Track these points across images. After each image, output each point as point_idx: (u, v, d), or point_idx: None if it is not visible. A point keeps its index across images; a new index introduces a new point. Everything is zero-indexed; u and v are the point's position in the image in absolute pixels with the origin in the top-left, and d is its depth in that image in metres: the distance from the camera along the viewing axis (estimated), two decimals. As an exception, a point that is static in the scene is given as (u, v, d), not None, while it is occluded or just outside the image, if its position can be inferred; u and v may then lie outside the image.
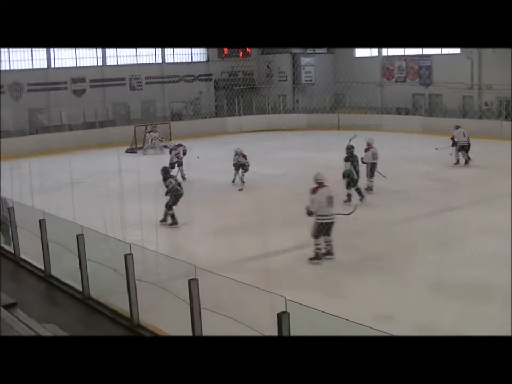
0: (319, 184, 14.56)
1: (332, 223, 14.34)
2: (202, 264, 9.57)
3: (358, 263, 14.15)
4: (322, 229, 14.24)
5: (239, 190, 22.12)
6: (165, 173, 18.62)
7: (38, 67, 39.79)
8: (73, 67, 41.10)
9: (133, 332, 10.07)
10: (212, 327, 8.50)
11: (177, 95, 43.59)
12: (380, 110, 42.24)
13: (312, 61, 46.24)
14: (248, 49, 47.54)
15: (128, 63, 43.31)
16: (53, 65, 40.31)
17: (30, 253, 14.34)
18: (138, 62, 43.77)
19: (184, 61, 45.81)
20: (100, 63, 42.33)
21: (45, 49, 39.77)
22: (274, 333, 6.94)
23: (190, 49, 45.94)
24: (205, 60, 46.66)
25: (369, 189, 21.53)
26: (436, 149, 27.67)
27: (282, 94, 46.42)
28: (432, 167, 24.72)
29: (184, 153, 25.32)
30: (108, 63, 42.60)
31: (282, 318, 6.98)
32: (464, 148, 25.86)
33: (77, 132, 37.63)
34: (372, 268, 13.64)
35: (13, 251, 14.89)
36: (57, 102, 39.06)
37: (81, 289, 12.01)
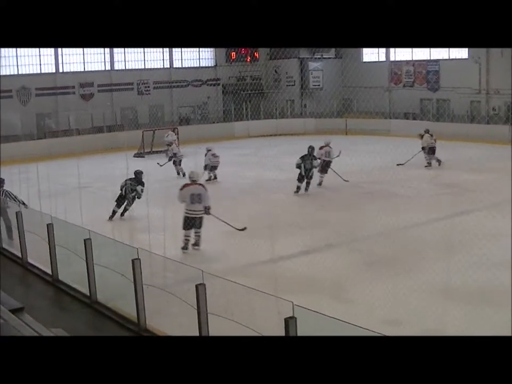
0: (192, 182, 16.08)
1: (196, 217, 15.69)
2: (209, 269, 9.56)
3: (366, 267, 14.12)
4: (189, 222, 15.62)
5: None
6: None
7: (46, 71, 39.93)
8: (81, 72, 41.22)
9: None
10: (219, 331, 8.49)
11: (185, 99, 43.62)
12: (388, 115, 42.21)
13: (320, 66, 46.25)
14: (256, 54, 47.61)
15: (136, 67, 43.39)
16: (61, 70, 40.44)
17: (38, 257, 14.36)
18: (146, 67, 43.85)
19: (192, 65, 45.88)
20: (108, 67, 42.45)
21: (53, 54, 39.92)
22: (282, 338, 6.92)
23: (197, 54, 46.04)
24: (212, 65, 46.73)
25: (319, 183, 24.09)
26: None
27: (290, 99, 46.42)
28: (440, 172, 24.69)
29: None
30: (116, 67, 42.71)
31: (289, 323, 6.96)
32: (433, 150, 27.47)
33: (85, 136, 37.71)
34: (380, 273, 13.61)
35: (20, 255, 14.91)
36: (65, 107, 39.19)
37: (88, 294, 12.02)
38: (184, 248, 15.69)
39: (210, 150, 26.41)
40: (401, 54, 44.37)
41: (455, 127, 36.57)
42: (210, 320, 8.75)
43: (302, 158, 22.84)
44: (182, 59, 45.50)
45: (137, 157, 33.65)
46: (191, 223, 15.69)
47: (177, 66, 45.11)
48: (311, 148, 23.23)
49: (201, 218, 15.79)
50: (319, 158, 23.81)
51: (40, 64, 39.80)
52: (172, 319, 10.32)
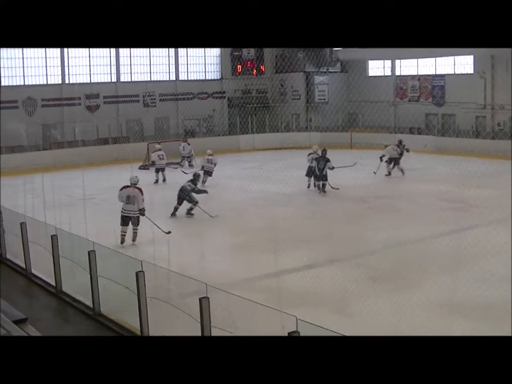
0: (131, 185, 18.04)
1: (129, 216, 17.67)
2: (213, 282, 9.56)
3: (370, 282, 14.10)
4: (124, 220, 17.69)
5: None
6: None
7: (52, 83, 40.02)
8: (87, 83, 41.29)
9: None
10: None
11: (190, 112, 43.66)
12: (393, 129, 42.18)
13: (325, 80, 46.27)
14: (262, 68, 47.65)
15: (142, 79, 43.48)
16: (67, 81, 40.52)
17: (42, 268, 14.37)
18: (152, 79, 43.94)
19: (197, 78, 45.96)
20: (114, 79, 42.52)
21: (59, 65, 40.03)
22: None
23: (203, 67, 46.13)
24: (218, 78, 46.80)
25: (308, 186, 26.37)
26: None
27: (295, 113, 46.45)
28: (444, 187, 24.64)
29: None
30: (122, 79, 42.78)
31: (293, 337, 6.95)
32: (396, 161, 29.25)
33: (90, 147, 37.77)
34: (384, 287, 13.59)
35: (24, 266, 14.93)
36: (70, 118, 39.26)
37: (92, 306, 12.02)
38: (121, 242, 17.47)
39: (209, 155, 28.27)
40: (407, 68, 44.43)
41: (460, 142, 36.54)
42: (214, 334, 8.74)
43: (316, 159, 25.59)
44: (188, 71, 45.58)
45: (142, 169, 33.67)
46: (126, 220, 17.68)
47: (183, 78, 45.18)
48: (325, 151, 25.74)
49: (136, 217, 17.67)
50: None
51: (47, 75, 39.89)
52: (175, 332, 10.30)
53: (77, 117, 38.95)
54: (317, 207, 22.69)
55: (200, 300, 8.80)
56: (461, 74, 40.61)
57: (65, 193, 25.26)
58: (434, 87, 42.51)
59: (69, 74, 40.58)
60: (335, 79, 46.35)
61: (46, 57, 39.54)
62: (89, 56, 41.11)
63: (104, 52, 41.46)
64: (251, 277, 14.62)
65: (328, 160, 25.29)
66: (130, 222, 17.73)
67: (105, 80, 42.12)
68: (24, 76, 39.03)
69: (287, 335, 6.95)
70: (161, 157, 30.32)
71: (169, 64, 44.51)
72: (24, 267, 14.90)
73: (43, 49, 38.94)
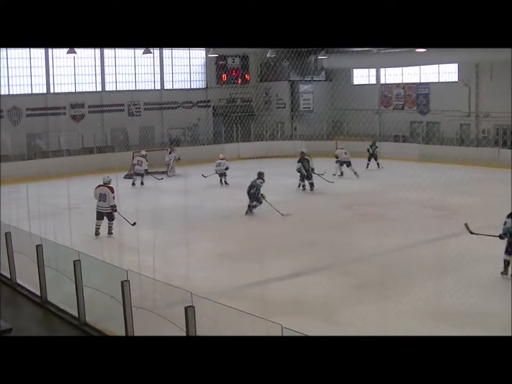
0: (104, 184, 20.06)
1: (102, 212, 19.65)
2: (199, 291, 9.55)
3: (355, 289, 14.13)
4: (99, 215, 19.71)
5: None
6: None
7: (37, 92, 39.88)
8: (72, 92, 41.16)
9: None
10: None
11: (175, 121, 43.53)
12: (378, 137, 42.28)
13: (310, 88, 46.34)
14: (247, 76, 47.69)
15: (127, 89, 43.42)
16: (52, 91, 40.40)
17: (27, 278, 14.31)
18: (137, 88, 43.88)
19: (182, 87, 45.92)
20: (99, 88, 42.42)
21: (44, 74, 39.91)
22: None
23: (188, 76, 46.11)
24: (203, 87, 46.78)
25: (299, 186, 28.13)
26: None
27: (280, 121, 46.42)
28: (429, 195, 24.73)
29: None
30: (107, 89, 42.68)
31: (278, 345, 6.95)
32: (347, 164, 31.41)
33: (75, 157, 37.58)
34: (370, 295, 13.61)
35: (9, 276, 14.86)
36: (55, 127, 39.06)
37: (77, 315, 11.98)
38: (96, 234, 19.61)
39: (221, 159, 30.99)
40: (391, 77, 44.61)
41: (445, 149, 36.75)
42: (199, 343, 8.73)
43: (300, 161, 27.63)
44: (173, 81, 45.53)
45: (127, 178, 33.60)
46: (101, 215, 19.70)
47: (168, 88, 45.14)
48: (302, 153, 27.96)
49: (109, 213, 19.62)
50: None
51: (32, 85, 39.75)
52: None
53: (62, 127, 38.77)
54: (302, 215, 22.70)
55: (185, 308, 8.80)
56: (446, 82, 40.80)
57: (50, 202, 25.15)
58: (418, 95, 42.70)
59: (53, 83, 40.46)
60: (320, 87, 46.43)
61: (30, 66, 39.42)
62: (74, 66, 41.01)
63: (89, 61, 41.41)
64: (237, 285, 14.61)
65: (308, 161, 27.76)
66: (105, 217, 19.62)
67: (90, 90, 42.03)
68: (8, 85, 38.89)
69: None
70: (140, 162, 31.43)
71: (154, 73, 44.46)
72: (9, 277, 14.83)
73: (28, 58, 38.88)
